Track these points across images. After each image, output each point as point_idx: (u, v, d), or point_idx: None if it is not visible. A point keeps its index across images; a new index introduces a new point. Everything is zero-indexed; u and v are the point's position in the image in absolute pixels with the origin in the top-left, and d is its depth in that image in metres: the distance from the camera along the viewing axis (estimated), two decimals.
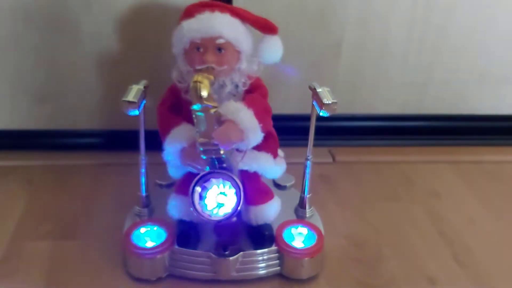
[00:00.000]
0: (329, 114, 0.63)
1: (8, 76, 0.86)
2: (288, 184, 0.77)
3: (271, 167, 0.66)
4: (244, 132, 0.58)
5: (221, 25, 0.61)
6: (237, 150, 0.62)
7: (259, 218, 0.66)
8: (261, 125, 0.59)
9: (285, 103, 0.90)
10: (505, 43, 0.93)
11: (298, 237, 0.67)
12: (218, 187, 0.61)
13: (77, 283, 0.64)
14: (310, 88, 0.66)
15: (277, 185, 0.77)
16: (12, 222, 0.74)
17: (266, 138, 0.62)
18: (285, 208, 0.69)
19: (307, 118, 0.68)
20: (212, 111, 0.56)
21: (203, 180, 0.61)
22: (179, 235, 0.65)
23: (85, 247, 0.70)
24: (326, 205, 0.79)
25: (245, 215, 0.66)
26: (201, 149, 0.58)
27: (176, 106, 0.66)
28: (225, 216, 0.61)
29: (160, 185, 0.76)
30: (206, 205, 0.62)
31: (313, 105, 0.66)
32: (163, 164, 0.69)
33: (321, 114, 0.63)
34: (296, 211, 0.73)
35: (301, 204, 0.72)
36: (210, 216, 0.61)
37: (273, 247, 0.65)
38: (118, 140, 0.89)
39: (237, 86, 0.63)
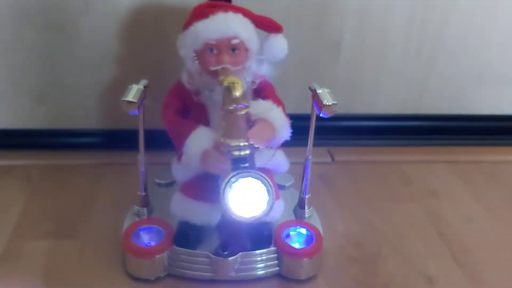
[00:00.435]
0: (329, 116, 0.63)
1: (6, 76, 0.86)
2: (287, 184, 0.77)
3: (284, 162, 0.68)
4: (277, 130, 0.60)
5: (237, 25, 0.62)
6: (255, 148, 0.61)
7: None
8: (290, 121, 0.61)
9: (284, 102, 0.90)
10: (504, 43, 0.94)
11: (297, 238, 0.67)
12: (248, 186, 0.59)
13: (76, 282, 0.64)
14: (310, 89, 0.66)
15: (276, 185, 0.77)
16: (11, 222, 0.74)
17: None
18: (284, 208, 0.69)
19: (306, 118, 0.68)
20: (244, 111, 0.57)
21: (233, 181, 0.59)
22: (177, 234, 0.65)
23: (84, 246, 0.70)
24: (325, 205, 0.79)
25: None
26: (228, 150, 0.58)
27: (181, 109, 0.66)
28: (262, 214, 0.59)
29: (159, 185, 0.76)
30: (233, 206, 0.59)
31: (313, 106, 0.66)
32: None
33: (321, 115, 0.63)
34: (295, 211, 0.73)
35: (300, 205, 0.72)
36: (244, 216, 0.59)
37: (272, 248, 0.65)
38: (117, 140, 0.89)
39: (246, 85, 0.64)
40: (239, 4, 0.66)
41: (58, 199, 0.79)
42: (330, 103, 0.62)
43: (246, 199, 0.59)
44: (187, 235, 0.65)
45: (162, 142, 0.69)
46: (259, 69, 0.65)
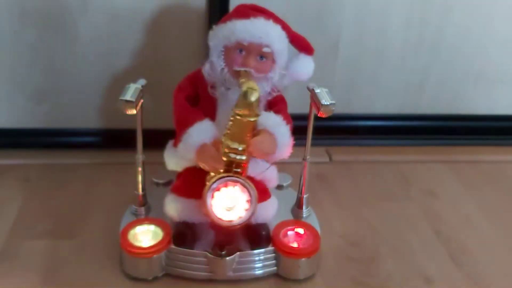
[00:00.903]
0: (327, 115, 0.63)
1: (5, 75, 0.86)
2: (285, 184, 0.77)
3: (274, 177, 0.68)
4: (278, 146, 0.60)
5: (273, 35, 0.62)
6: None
7: (256, 217, 0.66)
8: (293, 143, 0.61)
9: None
10: (501, 43, 0.94)
11: (295, 237, 0.67)
12: (234, 191, 0.60)
13: (73, 282, 0.64)
14: (308, 89, 0.66)
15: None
16: (9, 221, 0.73)
17: None
18: (282, 208, 0.70)
19: (304, 117, 0.68)
20: (253, 119, 0.57)
21: (220, 182, 0.59)
22: (175, 234, 0.65)
23: (81, 246, 0.70)
24: (323, 205, 0.79)
25: None
26: (226, 151, 0.58)
27: (192, 98, 0.66)
28: (240, 221, 0.60)
29: (157, 184, 0.76)
30: (219, 207, 0.60)
31: (311, 105, 0.66)
32: (160, 163, 0.69)
33: (319, 115, 0.63)
34: (293, 211, 0.73)
35: (298, 204, 0.72)
36: (222, 219, 0.60)
37: (270, 247, 0.65)
38: (115, 139, 0.88)
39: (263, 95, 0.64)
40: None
41: (56, 199, 0.79)
42: (328, 103, 0.63)
43: (228, 202, 0.60)
44: (184, 235, 0.65)
45: (160, 141, 0.70)
46: (279, 83, 0.65)
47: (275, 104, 0.66)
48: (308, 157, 0.70)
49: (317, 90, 0.65)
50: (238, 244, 0.65)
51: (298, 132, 0.66)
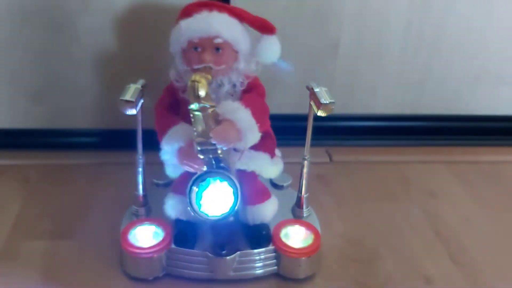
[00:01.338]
0: (327, 114, 0.63)
1: (5, 75, 0.86)
2: (285, 184, 0.78)
3: (269, 166, 0.67)
4: (241, 131, 0.58)
5: (219, 24, 0.61)
6: (235, 149, 0.62)
7: (256, 217, 0.66)
8: (258, 124, 0.59)
9: (282, 103, 0.90)
10: (501, 43, 0.94)
11: (295, 237, 0.67)
12: (215, 186, 0.61)
13: (73, 282, 0.64)
14: (307, 88, 0.66)
15: (274, 185, 0.77)
16: (9, 221, 0.73)
17: (263, 138, 0.62)
18: (282, 207, 0.70)
19: (304, 118, 0.68)
20: (210, 110, 0.56)
21: (200, 179, 0.60)
22: (176, 234, 0.65)
23: (82, 246, 0.70)
24: (323, 205, 0.79)
25: (242, 214, 0.66)
26: (199, 148, 0.58)
27: (173, 106, 0.66)
28: (223, 216, 0.61)
29: (157, 185, 0.76)
30: (202, 205, 0.61)
31: (310, 105, 0.66)
32: (160, 164, 0.69)
33: (318, 114, 0.63)
34: (293, 210, 0.73)
35: (298, 204, 0.72)
36: (207, 215, 0.61)
37: (270, 247, 0.65)
38: (115, 139, 0.88)
39: (234, 85, 0.63)
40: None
41: (56, 199, 0.79)
42: (327, 102, 0.62)
43: (213, 198, 0.60)
44: (185, 235, 0.65)
45: (160, 142, 0.69)
46: (248, 69, 0.64)
47: (248, 91, 0.65)
48: (307, 156, 0.70)
49: (316, 89, 0.65)
50: (238, 243, 0.65)
51: (298, 132, 0.66)
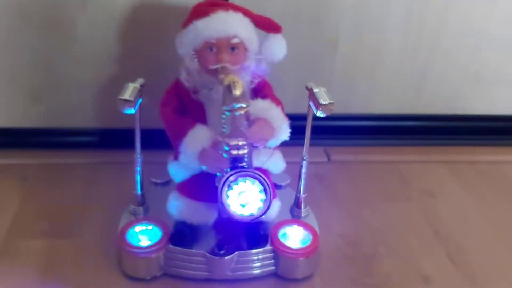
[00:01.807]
0: (326, 115, 0.63)
1: (3, 74, 0.85)
2: (283, 184, 0.77)
3: (280, 162, 0.67)
4: (276, 129, 0.60)
5: (237, 24, 0.62)
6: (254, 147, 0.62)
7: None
8: (290, 121, 0.61)
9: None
10: (499, 43, 0.94)
11: (294, 237, 0.67)
12: (245, 186, 0.60)
13: (71, 282, 0.64)
14: (307, 88, 0.66)
15: (273, 184, 0.77)
16: (7, 221, 0.73)
17: None
18: (280, 207, 0.69)
19: (302, 117, 0.68)
20: (244, 110, 0.57)
21: (230, 180, 0.59)
22: (174, 234, 0.65)
23: (79, 245, 0.70)
24: (322, 205, 0.79)
25: None
26: (227, 148, 0.58)
27: (178, 108, 0.66)
28: (259, 213, 0.59)
29: (155, 183, 0.76)
30: (231, 205, 0.59)
31: (309, 105, 0.66)
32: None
33: (317, 114, 0.63)
34: (291, 210, 0.73)
35: (297, 204, 0.72)
36: (242, 215, 0.60)
37: (268, 247, 0.65)
38: (113, 139, 0.88)
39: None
40: (237, 3, 0.66)
41: (54, 198, 0.79)
42: (327, 102, 0.63)
43: (244, 198, 0.59)
44: (183, 234, 0.65)
45: (158, 141, 0.70)
46: (257, 68, 0.65)
47: (260, 90, 0.66)
48: (306, 156, 0.70)
49: (316, 90, 0.65)
50: (236, 243, 0.65)
51: (297, 132, 0.66)
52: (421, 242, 0.74)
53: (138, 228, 0.67)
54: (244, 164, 0.59)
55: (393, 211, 0.80)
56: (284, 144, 0.71)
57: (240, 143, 0.58)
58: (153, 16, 0.83)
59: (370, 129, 0.97)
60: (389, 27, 0.90)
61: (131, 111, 0.62)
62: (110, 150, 0.88)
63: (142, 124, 0.67)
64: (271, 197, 0.60)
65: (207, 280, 0.65)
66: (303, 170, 0.70)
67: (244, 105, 0.56)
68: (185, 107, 0.66)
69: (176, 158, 0.65)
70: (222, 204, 0.59)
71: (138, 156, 0.68)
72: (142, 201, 0.70)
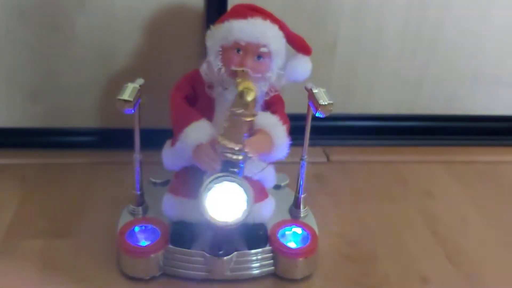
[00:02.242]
0: (325, 115, 0.63)
1: (2, 74, 0.85)
2: (282, 184, 0.77)
3: (272, 178, 0.68)
4: (275, 146, 0.60)
5: (271, 35, 0.63)
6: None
7: (254, 217, 0.66)
8: (290, 143, 0.62)
9: None
10: (499, 43, 0.94)
11: (293, 237, 0.68)
12: (230, 191, 0.60)
13: (70, 281, 0.64)
14: (306, 88, 0.66)
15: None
16: (6, 220, 0.73)
17: None
18: (279, 208, 0.70)
19: (301, 117, 0.68)
20: (250, 118, 0.57)
21: (216, 182, 0.59)
22: (173, 234, 0.65)
23: (78, 245, 0.70)
24: (321, 205, 0.79)
25: None
26: (222, 150, 0.58)
27: (190, 96, 0.66)
28: (236, 220, 0.60)
29: (154, 183, 0.76)
30: (215, 207, 0.60)
31: (309, 105, 0.66)
32: (157, 163, 0.69)
33: (317, 115, 0.64)
34: (290, 211, 0.73)
35: (296, 204, 0.72)
36: (218, 220, 0.60)
37: (267, 247, 0.65)
38: (112, 139, 0.88)
39: (260, 95, 0.64)
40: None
41: (53, 198, 0.79)
42: (326, 103, 0.63)
43: (224, 202, 0.60)
44: (182, 234, 0.65)
45: (158, 141, 0.69)
46: (277, 82, 0.65)
47: (273, 104, 0.67)
48: (305, 157, 0.70)
49: (315, 90, 0.65)
50: (235, 244, 0.65)
51: (296, 132, 0.66)
52: (419, 242, 0.74)
53: (137, 228, 0.67)
54: (236, 169, 0.59)
55: (392, 211, 0.80)
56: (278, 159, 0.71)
57: (236, 148, 0.58)
58: (152, 16, 0.83)
59: (369, 129, 0.98)
60: (387, 27, 0.90)
61: (130, 111, 0.62)
62: (109, 150, 0.88)
63: (141, 124, 0.67)
64: (250, 207, 0.59)
65: (206, 280, 0.65)
66: (302, 170, 0.70)
67: (251, 113, 0.57)
68: (197, 98, 0.66)
69: (173, 145, 0.65)
70: (202, 204, 0.59)
71: (137, 156, 0.68)
72: (141, 201, 0.70)
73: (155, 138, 0.70)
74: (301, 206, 0.72)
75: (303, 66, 0.66)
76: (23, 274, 0.65)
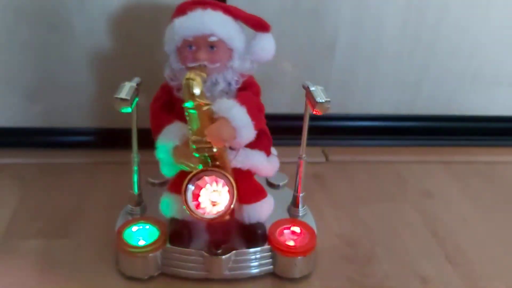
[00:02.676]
0: (323, 113, 0.63)
1: (0, 74, 0.85)
2: (281, 183, 0.77)
3: (264, 165, 0.66)
4: (236, 129, 0.58)
5: (213, 22, 0.61)
6: (230, 148, 0.62)
7: (252, 216, 0.66)
8: (254, 122, 0.59)
9: (278, 102, 0.90)
10: (498, 44, 0.94)
11: (291, 236, 0.67)
12: (211, 185, 0.61)
13: (69, 281, 0.64)
14: (303, 87, 0.66)
15: (270, 184, 0.77)
16: (4, 220, 0.73)
17: (259, 136, 0.62)
18: (278, 207, 0.69)
19: (300, 117, 0.68)
20: (205, 108, 0.56)
21: (196, 178, 0.60)
22: (171, 233, 0.65)
23: (77, 245, 0.69)
24: (319, 204, 0.79)
25: (238, 213, 0.66)
26: (194, 146, 0.58)
27: (169, 104, 0.66)
28: (218, 215, 0.60)
29: (153, 184, 0.76)
30: (198, 203, 0.61)
31: (306, 104, 0.66)
32: (155, 163, 0.69)
33: (314, 113, 0.63)
34: (289, 210, 0.72)
35: (294, 203, 0.72)
36: (203, 214, 0.61)
37: (266, 246, 0.65)
38: (110, 138, 0.88)
39: (229, 84, 0.63)
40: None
41: (51, 198, 0.78)
42: (323, 100, 0.62)
43: (208, 197, 0.60)
44: (180, 234, 0.65)
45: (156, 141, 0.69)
46: (242, 67, 0.64)
47: (244, 90, 0.65)
48: (304, 155, 0.70)
49: (312, 88, 0.64)
50: (234, 243, 0.65)
51: (295, 131, 0.66)
52: (418, 242, 0.74)
53: (135, 228, 0.66)
54: (217, 163, 0.59)
55: (390, 211, 0.80)
56: (281, 144, 0.72)
57: (205, 141, 0.57)
58: (148, 16, 0.83)
59: (368, 129, 0.98)
60: (386, 27, 0.90)
61: (128, 110, 0.62)
62: (107, 150, 0.88)
63: (139, 124, 0.66)
64: (235, 198, 0.59)
65: (205, 279, 0.64)
66: (301, 170, 0.70)
67: (201, 103, 0.55)
68: (174, 104, 0.65)
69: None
70: (185, 202, 0.59)
71: (135, 155, 0.68)
72: (139, 201, 0.70)
73: (153, 138, 0.70)
74: (300, 205, 0.72)
75: (265, 44, 0.65)
76: (22, 274, 0.64)
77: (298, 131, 0.68)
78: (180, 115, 0.62)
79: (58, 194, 0.79)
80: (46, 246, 0.69)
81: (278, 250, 0.65)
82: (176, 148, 0.61)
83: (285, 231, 0.68)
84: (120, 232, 0.65)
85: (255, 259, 0.65)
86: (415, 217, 0.79)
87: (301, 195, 0.71)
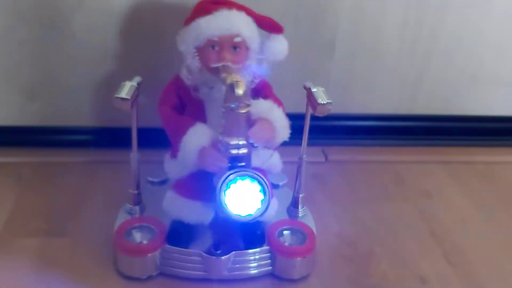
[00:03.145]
0: (324, 114, 0.63)
1: None
2: (280, 183, 0.77)
3: (278, 163, 0.68)
4: (277, 130, 0.60)
5: (240, 23, 0.62)
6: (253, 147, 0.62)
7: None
8: (290, 122, 0.61)
9: None
10: (497, 44, 0.94)
11: (290, 237, 0.67)
12: (245, 185, 0.59)
13: (66, 280, 0.64)
14: (305, 87, 0.66)
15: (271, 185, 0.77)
16: (1, 219, 0.73)
17: None
18: (277, 207, 0.69)
19: (300, 117, 0.68)
20: (247, 110, 0.57)
21: (229, 179, 0.59)
22: (170, 233, 0.65)
23: (75, 244, 0.69)
24: (319, 205, 0.79)
25: None
26: (226, 148, 0.58)
27: (177, 105, 0.65)
28: (257, 214, 0.60)
29: (152, 183, 0.76)
30: (229, 205, 0.59)
31: (307, 104, 0.66)
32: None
33: (315, 114, 0.63)
34: (288, 210, 0.72)
35: (294, 204, 0.72)
36: (239, 216, 0.60)
37: (265, 247, 0.65)
38: (109, 137, 0.88)
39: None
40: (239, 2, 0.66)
41: (49, 197, 0.78)
42: (324, 102, 0.62)
43: (242, 198, 0.59)
44: (179, 234, 0.65)
45: (155, 140, 0.69)
46: (258, 68, 0.65)
47: (261, 90, 0.66)
48: (304, 156, 0.69)
49: (314, 89, 0.64)
50: (233, 243, 0.65)
51: (295, 131, 0.66)
52: (417, 243, 0.74)
53: (134, 227, 0.66)
54: (243, 163, 0.59)
55: (390, 211, 0.80)
56: (282, 143, 0.71)
57: (240, 142, 0.58)
58: (149, 14, 0.82)
59: (368, 129, 0.97)
60: (386, 28, 0.90)
61: (128, 109, 0.62)
62: (106, 149, 0.88)
63: (139, 123, 0.66)
64: (270, 197, 0.59)
65: (204, 280, 0.64)
66: (301, 170, 0.70)
67: (246, 104, 0.56)
68: (184, 105, 0.65)
69: (173, 156, 0.64)
70: (220, 203, 0.59)
71: (135, 155, 0.68)
72: (138, 200, 0.70)
73: (153, 137, 0.70)
74: (299, 206, 0.72)
75: (279, 45, 0.65)
76: (19, 273, 0.64)
77: (298, 130, 0.68)
78: (194, 115, 0.62)
79: (56, 193, 0.79)
80: (43, 245, 0.69)
81: (277, 251, 0.65)
82: (203, 150, 0.60)
83: (285, 232, 0.68)
84: (118, 231, 0.65)
85: (254, 260, 0.65)
86: (414, 217, 0.79)
87: (300, 195, 0.71)
